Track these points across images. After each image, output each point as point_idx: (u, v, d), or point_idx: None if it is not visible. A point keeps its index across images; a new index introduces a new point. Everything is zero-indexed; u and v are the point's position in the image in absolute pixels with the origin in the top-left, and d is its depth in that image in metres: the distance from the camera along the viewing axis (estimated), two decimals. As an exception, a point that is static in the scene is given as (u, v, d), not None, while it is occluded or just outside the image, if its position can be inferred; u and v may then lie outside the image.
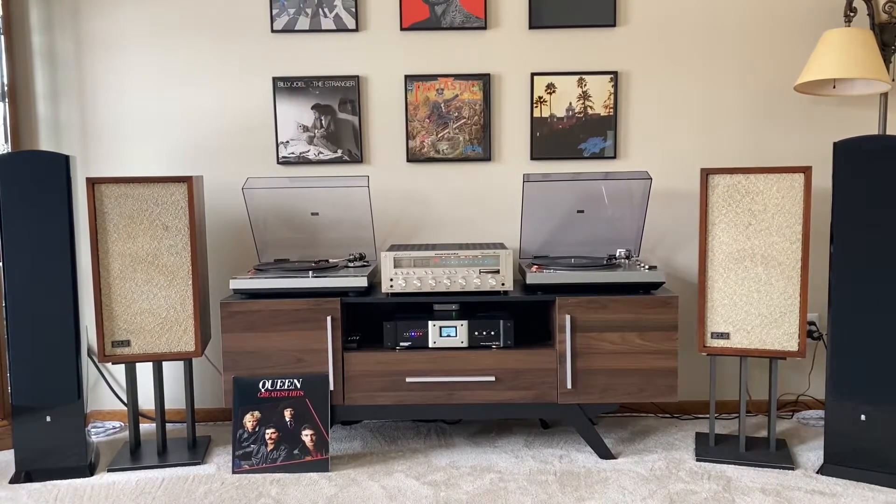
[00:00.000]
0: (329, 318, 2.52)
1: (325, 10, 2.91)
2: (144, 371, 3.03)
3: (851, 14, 2.70)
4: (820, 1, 2.90)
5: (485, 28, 2.93)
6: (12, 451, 2.66)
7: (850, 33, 2.60)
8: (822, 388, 3.05)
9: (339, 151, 2.98)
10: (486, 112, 2.95)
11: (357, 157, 2.98)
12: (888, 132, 2.90)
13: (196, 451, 2.67)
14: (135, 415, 2.66)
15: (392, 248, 2.69)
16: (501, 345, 2.57)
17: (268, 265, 2.73)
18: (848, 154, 2.33)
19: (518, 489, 2.35)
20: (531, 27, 2.92)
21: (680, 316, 3.02)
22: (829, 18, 2.90)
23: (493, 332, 2.57)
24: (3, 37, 2.88)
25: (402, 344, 2.58)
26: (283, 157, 2.98)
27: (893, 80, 2.90)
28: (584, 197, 2.82)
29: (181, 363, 3.01)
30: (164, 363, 3.01)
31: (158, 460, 2.59)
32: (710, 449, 2.60)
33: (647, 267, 2.58)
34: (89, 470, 2.52)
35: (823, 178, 2.90)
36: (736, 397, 3.04)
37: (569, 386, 2.53)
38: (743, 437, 2.56)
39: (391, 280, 2.54)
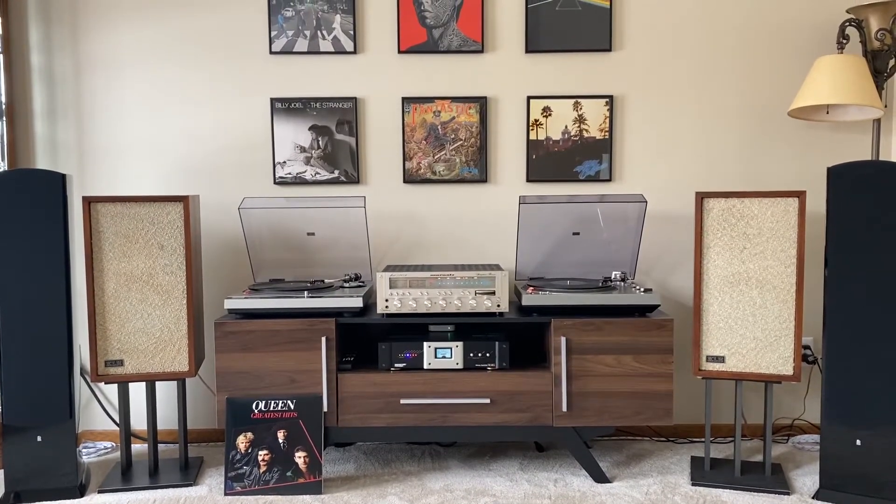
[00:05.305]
0: (324, 339, 2.51)
1: (324, 32, 2.94)
2: (137, 391, 3.00)
3: (844, 41, 2.73)
4: (813, 28, 2.94)
5: (482, 52, 2.95)
6: (2, 471, 2.63)
7: (843, 60, 2.63)
8: (817, 412, 3.04)
9: (336, 172, 2.99)
10: (483, 134, 2.97)
11: (354, 177, 2.99)
12: (881, 157, 2.92)
13: (188, 473, 2.64)
14: (127, 435, 2.64)
15: (388, 268, 2.69)
16: (497, 366, 2.56)
17: (263, 285, 2.73)
18: (842, 179, 2.34)
19: (512, 513, 2.33)
20: (528, 51, 2.95)
21: (675, 339, 3.02)
22: (822, 45, 2.94)
23: (488, 354, 2.56)
24: (2, 55, 2.90)
25: (396, 365, 2.57)
26: (280, 178, 2.98)
27: (886, 106, 2.93)
28: (580, 219, 2.83)
29: (174, 383, 2.99)
30: (157, 383, 2.98)
31: (150, 481, 2.56)
32: (706, 473, 2.59)
33: (642, 289, 2.58)
34: (80, 491, 2.49)
35: (818, 203, 2.92)
36: (731, 421, 3.03)
37: (564, 408, 2.52)
38: (738, 462, 2.55)
39: (387, 301, 2.54)
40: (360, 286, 2.74)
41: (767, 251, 2.43)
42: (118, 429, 2.67)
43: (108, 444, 3.01)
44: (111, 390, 3.07)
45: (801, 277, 2.39)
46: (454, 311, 2.54)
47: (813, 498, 2.42)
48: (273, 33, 2.94)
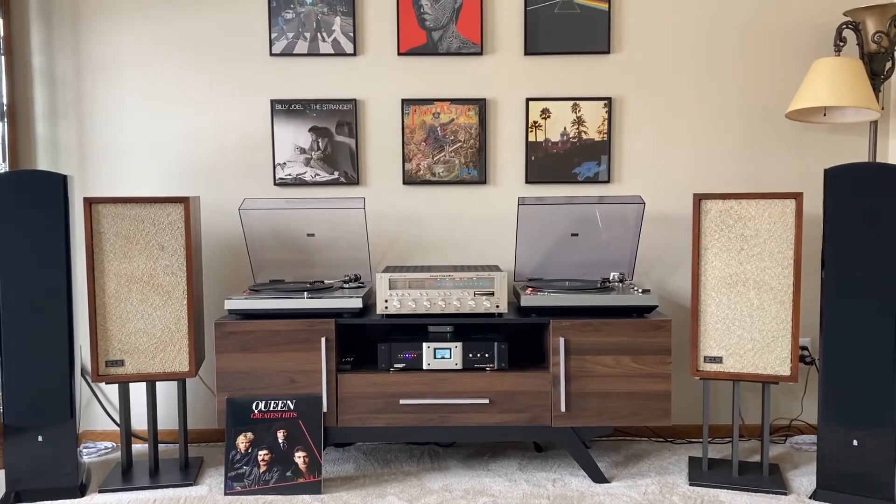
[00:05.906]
0: (323, 339, 2.52)
1: (324, 34, 2.95)
2: (137, 391, 3.01)
3: (841, 44, 2.75)
4: (812, 30, 2.95)
5: (481, 54, 2.96)
6: (2, 471, 2.64)
7: (841, 62, 2.64)
8: (814, 412, 3.06)
9: (336, 173, 3.00)
10: (482, 136, 2.98)
11: (353, 179, 3.00)
12: (878, 159, 2.93)
13: (188, 473, 2.65)
14: (127, 435, 2.65)
15: (387, 269, 2.70)
16: (495, 367, 2.57)
17: (263, 286, 2.74)
18: (839, 180, 2.35)
19: (511, 513, 2.34)
20: (527, 53, 2.96)
21: (673, 339, 3.03)
22: (820, 47, 2.95)
23: (487, 355, 2.57)
24: (3, 57, 2.91)
25: (396, 365, 2.58)
26: (280, 179, 3.00)
27: (882, 108, 2.94)
28: (579, 220, 2.84)
29: (174, 383, 3.00)
30: (158, 383, 2.99)
31: (150, 481, 2.57)
32: (704, 473, 2.60)
33: (640, 290, 2.60)
34: (80, 491, 2.50)
35: (816, 204, 2.93)
36: (729, 421, 3.04)
37: (563, 409, 2.53)
38: (736, 462, 2.56)
39: (386, 301, 2.55)
40: (359, 287, 2.75)
41: (765, 252, 2.45)
42: (119, 429, 2.68)
43: (109, 444, 3.02)
44: (112, 390, 3.08)
45: (799, 279, 2.41)
46: (453, 312, 2.56)
47: (810, 498, 2.43)
48: (273, 35, 2.95)
